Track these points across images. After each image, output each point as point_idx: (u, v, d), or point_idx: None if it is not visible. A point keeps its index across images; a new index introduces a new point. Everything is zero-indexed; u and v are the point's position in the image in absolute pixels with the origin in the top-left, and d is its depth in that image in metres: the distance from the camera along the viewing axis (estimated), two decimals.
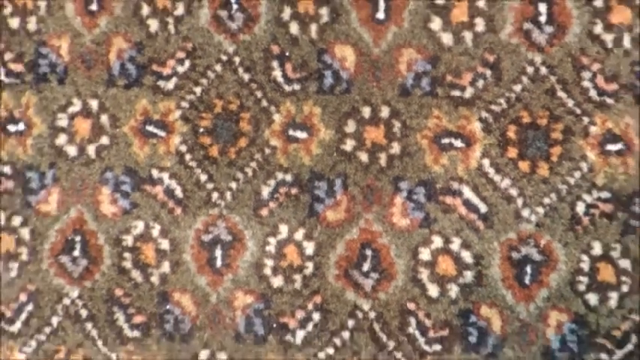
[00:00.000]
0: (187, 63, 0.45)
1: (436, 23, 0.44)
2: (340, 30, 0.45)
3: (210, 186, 0.45)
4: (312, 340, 0.46)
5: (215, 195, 0.45)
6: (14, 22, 0.46)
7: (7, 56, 0.46)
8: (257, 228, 0.46)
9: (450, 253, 0.45)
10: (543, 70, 0.44)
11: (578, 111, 0.44)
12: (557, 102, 0.44)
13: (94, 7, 0.46)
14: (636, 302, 0.44)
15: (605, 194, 0.44)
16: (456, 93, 0.44)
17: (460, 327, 0.45)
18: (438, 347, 0.45)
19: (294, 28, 0.45)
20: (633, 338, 0.44)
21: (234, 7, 0.45)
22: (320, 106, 0.45)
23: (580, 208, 0.44)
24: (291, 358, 0.45)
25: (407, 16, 0.44)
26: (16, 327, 0.46)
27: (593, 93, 0.44)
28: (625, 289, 0.44)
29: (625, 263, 0.44)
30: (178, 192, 0.46)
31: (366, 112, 0.45)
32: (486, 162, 0.45)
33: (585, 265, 0.44)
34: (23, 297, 0.46)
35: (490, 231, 0.45)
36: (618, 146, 0.43)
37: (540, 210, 0.44)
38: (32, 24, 0.47)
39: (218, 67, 0.45)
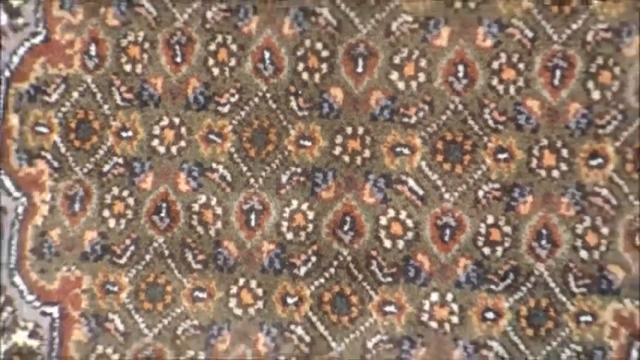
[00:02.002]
0: (237, 96, 0.70)
1: (394, 75, 0.69)
2: (334, 78, 0.69)
3: (248, 174, 0.70)
4: (310, 274, 0.70)
5: (252, 180, 0.70)
6: (128, 67, 0.72)
7: (122, 89, 0.71)
8: (277, 202, 0.70)
9: (399, 220, 0.69)
10: (460, 107, 0.69)
11: (481, 133, 0.67)
12: (468, 127, 0.68)
13: (178, 59, 0.71)
14: (515, 254, 0.68)
15: (496, 185, 0.68)
16: (406, 120, 0.69)
17: (404, 267, 0.69)
18: (389, 279, 0.69)
19: (305, 76, 0.70)
20: (511, 275, 0.68)
21: (267, 61, 0.70)
22: (320, 125, 0.69)
23: (480, 193, 0.68)
24: (297, 284, 0.70)
25: (376, 71, 0.69)
26: (123, 260, 0.72)
27: (490, 122, 0.68)
28: (507, 245, 0.68)
29: (507, 229, 0.68)
30: (228, 177, 0.70)
31: (349, 130, 0.69)
32: (423, 163, 0.69)
33: (483, 230, 0.68)
34: (128, 241, 0.71)
35: (425, 207, 0.69)
36: (505, 155, 0.68)
37: (456, 194, 0.68)
38: (139, 69, 0.72)
39: (256, 99, 0.70)
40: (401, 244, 0.68)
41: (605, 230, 0.66)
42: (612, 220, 0.66)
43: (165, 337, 0.71)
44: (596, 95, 0.67)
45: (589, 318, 0.66)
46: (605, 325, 0.66)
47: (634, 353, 0.65)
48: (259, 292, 0.70)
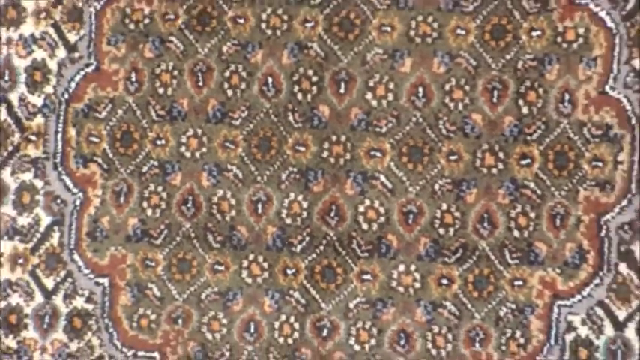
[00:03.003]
0: (246, 112, 0.88)
1: (369, 95, 0.87)
2: (322, 97, 0.87)
3: (256, 173, 0.88)
4: (304, 250, 0.87)
5: (258, 178, 0.88)
6: (161, 90, 0.90)
7: (157, 107, 0.89)
8: (279, 194, 0.88)
9: (373, 208, 0.86)
10: (420, 119, 0.87)
11: (437, 140, 0.85)
12: (426, 135, 0.85)
13: (200, 83, 0.90)
14: (463, 233, 0.87)
15: (448, 180, 0.85)
16: (378, 130, 0.86)
17: (377, 244, 0.87)
18: (366, 254, 0.86)
19: (299, 96, 0.87)
20: (460, 250, 0.86)
21: (270, 85, 0.89)
22: (311, 134, 0.87)
23: (436, 187, 0.85)
24: (294, 259, 0.89)
25: (355, 92, 0.86)
26: (158, 241, 0.89)
27: (443, 131, 0.85)
28: (457, 226, 0.86)
29: (457, 214, 0.86)
30: (240, 175, 0.88)
31: (334, 138, 0.87)
32: (392, 164, 0.86)
33: (438, 215, 0.85)
34: (162, 226, 0.89)
35: (393, 197, 0.86)
36: (455, 157, 0.86)
37: (417, 187, 0.86)
38: (169, 91, 0.90)
39: (261, 115, 0.87)
40: (375, 226, 0.86)
41: (532, 215, 0.84)
42: (538, 206, 0.84)
43: (192, 301, 0.89)
44: (525, 110, 0.85)
45: (520, 282, 0.85)
46: (532, 288, 0.84)
47: (554, 309, 0.85)
48: (265, 265, 0.88)
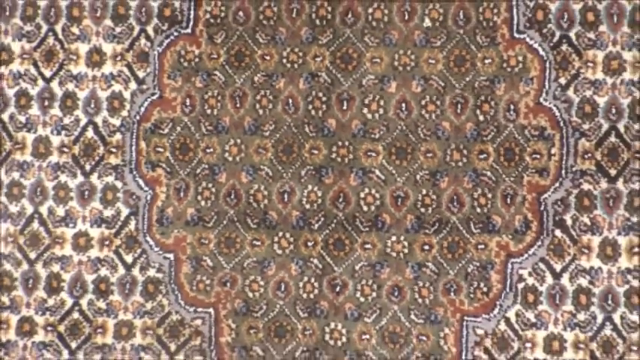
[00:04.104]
0: (273, 126, 1.11)
1: (365, 110, 1.13)
2: (330, 112, 1.13)
3: (282, 171, 1.11)
4: (320, 228, 1.09)
5: (284, 175, 1.11)
6: (209, 111, 1.17)
7: (206, 124, 1.14)
8: (300, 187, 1.11)
9: (371, 194, 1.11)
10: (404, 127, 1.14)
11: (417, 142, 1.12)
12: (409, 139, 1.12)
13: (238, 105, 1.18)
14: (439, 211, 1.14)
15: (426, 172, 1.12)
16: (372, 136, 1.13)
17: (375, 221, 1.11)
18: (367, 229, 1.09)
19: (312, 112, 1.14)
20: (437, 224, 1.13)
21: (291, 104, 1.15)
22: (322, 141, 1.12)
23: (418, 177, 1.12)
24: (313, 235, 1.15)
25: (354, 108, 1.13)
26: (210, 225, 1.14)
27: (422, 135, 1.11)
28: (434, 206, 1.14)
29: (434, 197, 1.12)
30: (270, 173, 1.13)
31: (340, 143, 1.13)
32: (384, 161, 1.13)
33: (420, 197, 1.10)
34: (212, 213, 1.15)
35: (386, 186, 1.13)
36: (431, 154, 1.14)
37: (404, 178, 1.13)
38: (215, 112, 1.17)
39: (285, 127, 1.12)
40: (372, 208, 1.07)
41: (489, 195, 1.10)
42: (493, 189, 1.10)
43: (237, 268, 1.08)
44: (481, 118, 1.11)
45: (482, 246, 1.09)
46: (492, 250, 1.09)
47: (509, 265, 1.11)
48: (291, 240, 1.07)
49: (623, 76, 1.07)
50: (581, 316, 1.07)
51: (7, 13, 1.16)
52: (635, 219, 1.07)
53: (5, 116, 1.16)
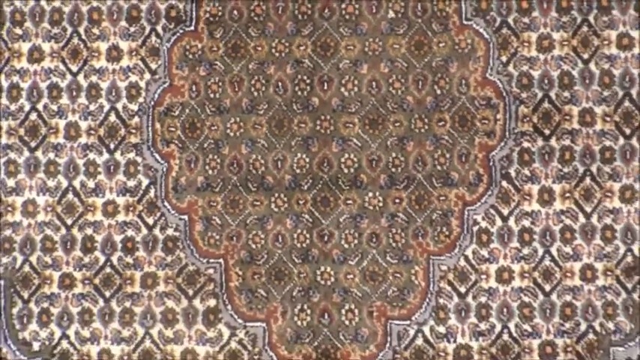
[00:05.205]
0: (266, 105, 1.33)
1: (342, 89, 1.35)
2: (313, 92, 1.34)
3: (275, 142, 1.31)
4: (309, 188, 1.26)
5: (277, 145, 1.32)
6: (211, 95, 1.37)
7: (209, 106, 1.37)
8: (291, 155, 1.23)
9: (350, 159, 1.26)
10: (375, 102, 1.35)
11: (386, 114, 1.35)
12: (380, 111, 1.35)
13: (236, 89, 1.39)
14: (406, 169, 1.37)
15: (395, 138, 1.36)
16: (349, 110, 1.34)
17: (354, 181, 1.34)
18: (348, 187, 1.31)
19: (299, 93, 1.37)
20: (405, 181, 1.36)
21: (280, 86, 1.37)
22: (308, 116, 1.35)
23: (388, 143, 1.34)
24: (303, 194, 1.37)
25: (333, 88, 1.34)
26: (217, 190, 1.36)
27: (390, 108, 1.36)
28: (403, 166, 1.36)
29: (402, 158, 1.35)
30: (266, 145, 1.33)
31: (322, 117, 1.32)
32: (360, 131, 1.31)
33: (390, 160, 1.33)
34: (218, 180, 1.36)
35: (362, 151, 1.32)
36: (399, 124, 1.36)
37: (376, 144, 1.34)
38: (217, 95, 1.37)
39: (276, 106, 1.37)
40: (352, 170, 1.20)
41: (447, 155, 1.28)
42: (450, 150, 1.30)
43: (241, 225, 1.20)
44: (439, 92, 1.27)
45: (444, 198, 1.22)
46: (451, 200, 1.26)
47: (465, 212, 1.33)
48: (285, 199, 1.20)
49: (553, 52, 1.25)
50: (525, 251, 1.24)
51: (37, 19, 1.36)
52: (566, 170, 1.28)
53: (40, 106, 1.35)
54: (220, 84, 1.27)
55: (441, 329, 1.23)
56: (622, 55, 1.27)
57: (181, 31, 1.28)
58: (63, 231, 1.29)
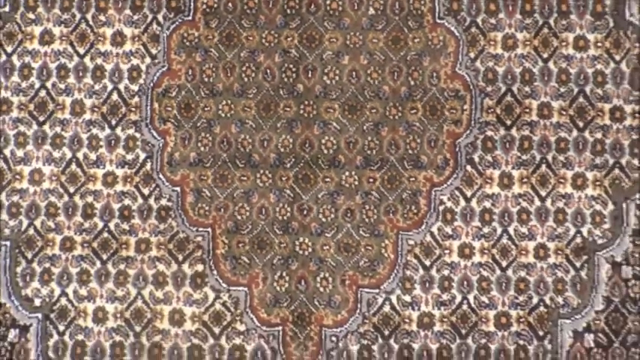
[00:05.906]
0: (255, 90, 1.47)
1: (325, 77, 1.47)
2: (299, 80, 1.48)
3: (262, 124, 1.45)
4: (292, 166, 1.37)
5: (264, 126, 1.46)
6: (206, 79, 1.51)
7: (204, 89, 1.51)
8: (276, 135, 1.39)
9: (330, 140, 1.44)
10: (354, 90, 1.49)
11: (364, 101, 1.48)
12: (358, 99, 1.49)
13: (229, 74, 1.52)
14: (380, 152, 1.49)
15: (371, 123, 1.49)
16: (330, 96, 1.48)
17: (333, 161, 1.48)
18: (327, 167, 1.44)
19: (285, 80, 1.49)
20: (380, 162, 1.49)
21: (268, 73, 1.50)
22: (292, 100, 1.48)
23: (365, 127, 1.48)
24: (286, 172, 1.50)
25: (317, 75, 1.48)
26: (208, 165, 1.51)
27: (367, 96, 1.49)
28: (377, 149, 1.49)
29: (377, 142, 1.48)
30: (254, 125, 1.47)
31: (306, 102, 1.45)
32: (339, 116, 1.44)
33: (366, 143, 1.45)
34: (210, 157, 1.49)
35: (341, 134, 1.47)
36: (375, 110, 1.49)
37: (354, 128, 1.47)
38: (211, 79, 1.51)
39: (264, 91, 1.49)
40: (331, 151, 1.30)
41: (418, 140, 1.45)
42: (421, 136, 1.46)
43: (229, 198, 1.29)
44: (412, 83, 1.42)
45: (414, 179, 1.37)
46: (420, 182, 1.37)
47: (432, 192, 1.46)
48: (270, 175, 1.29)
49: (516, 51, 1.36)
50: (485, 230, 1.34)
51: (49, 5, 1.49)
52: (524, 157, 1.38)
53: (49, 84, 1.45)
54: (214, 69, 1.36)
55: (407, 298, 1.31)
56: (578, 55, 1.37)
57: (180, 21, 1.36)
58: (65, 198, 1.35)
